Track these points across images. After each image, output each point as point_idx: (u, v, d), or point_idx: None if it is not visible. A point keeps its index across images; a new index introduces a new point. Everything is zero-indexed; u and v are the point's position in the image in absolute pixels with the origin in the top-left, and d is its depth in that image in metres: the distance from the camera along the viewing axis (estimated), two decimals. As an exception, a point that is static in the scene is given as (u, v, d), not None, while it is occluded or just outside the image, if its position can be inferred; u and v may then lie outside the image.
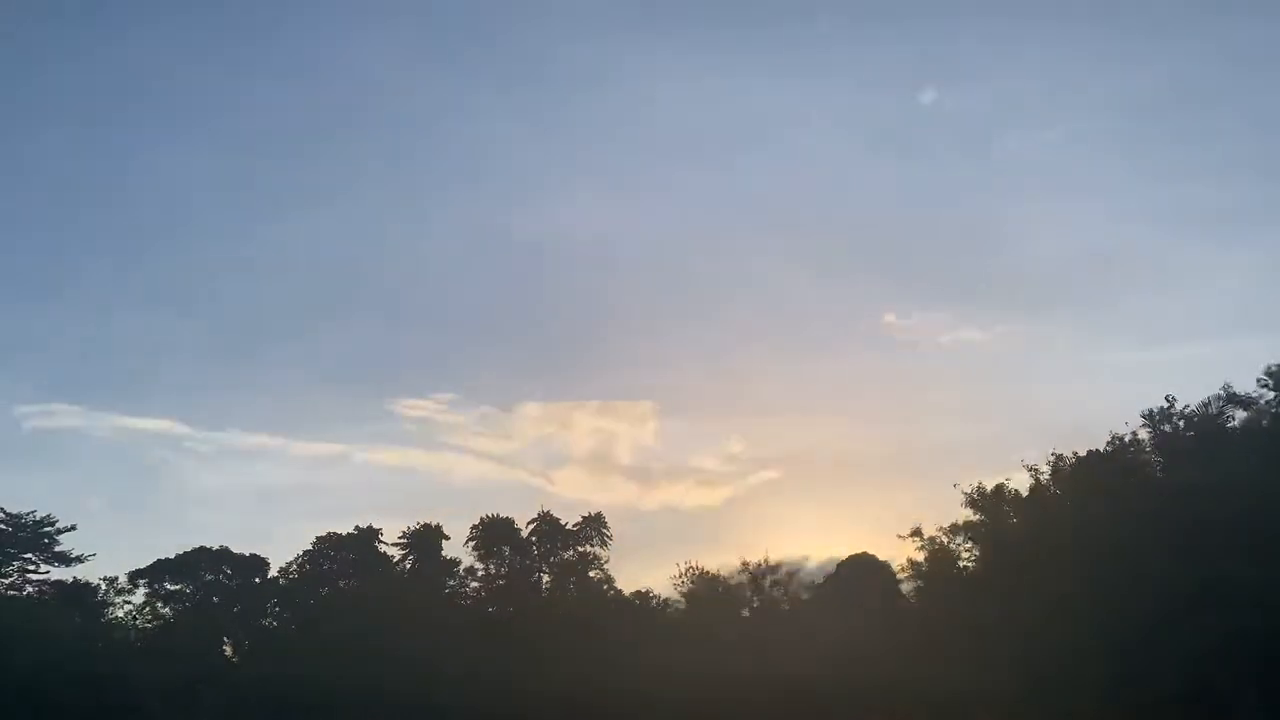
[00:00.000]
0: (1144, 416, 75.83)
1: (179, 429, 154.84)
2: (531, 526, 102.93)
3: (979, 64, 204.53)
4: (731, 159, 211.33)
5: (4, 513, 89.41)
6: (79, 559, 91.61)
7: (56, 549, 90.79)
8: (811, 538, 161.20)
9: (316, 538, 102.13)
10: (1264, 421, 71.03)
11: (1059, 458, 77.58)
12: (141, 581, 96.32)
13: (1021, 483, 78.85)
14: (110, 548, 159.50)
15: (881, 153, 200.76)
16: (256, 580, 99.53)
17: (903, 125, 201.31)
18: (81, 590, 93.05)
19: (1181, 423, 74.62)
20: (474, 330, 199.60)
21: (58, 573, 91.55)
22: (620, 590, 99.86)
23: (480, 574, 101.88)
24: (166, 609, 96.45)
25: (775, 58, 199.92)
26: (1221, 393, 73.18)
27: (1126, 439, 76.27)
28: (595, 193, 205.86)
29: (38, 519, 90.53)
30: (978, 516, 79.61)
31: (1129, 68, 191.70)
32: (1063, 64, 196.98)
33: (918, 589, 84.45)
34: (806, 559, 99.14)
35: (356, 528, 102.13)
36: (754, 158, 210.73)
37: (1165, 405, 75.41)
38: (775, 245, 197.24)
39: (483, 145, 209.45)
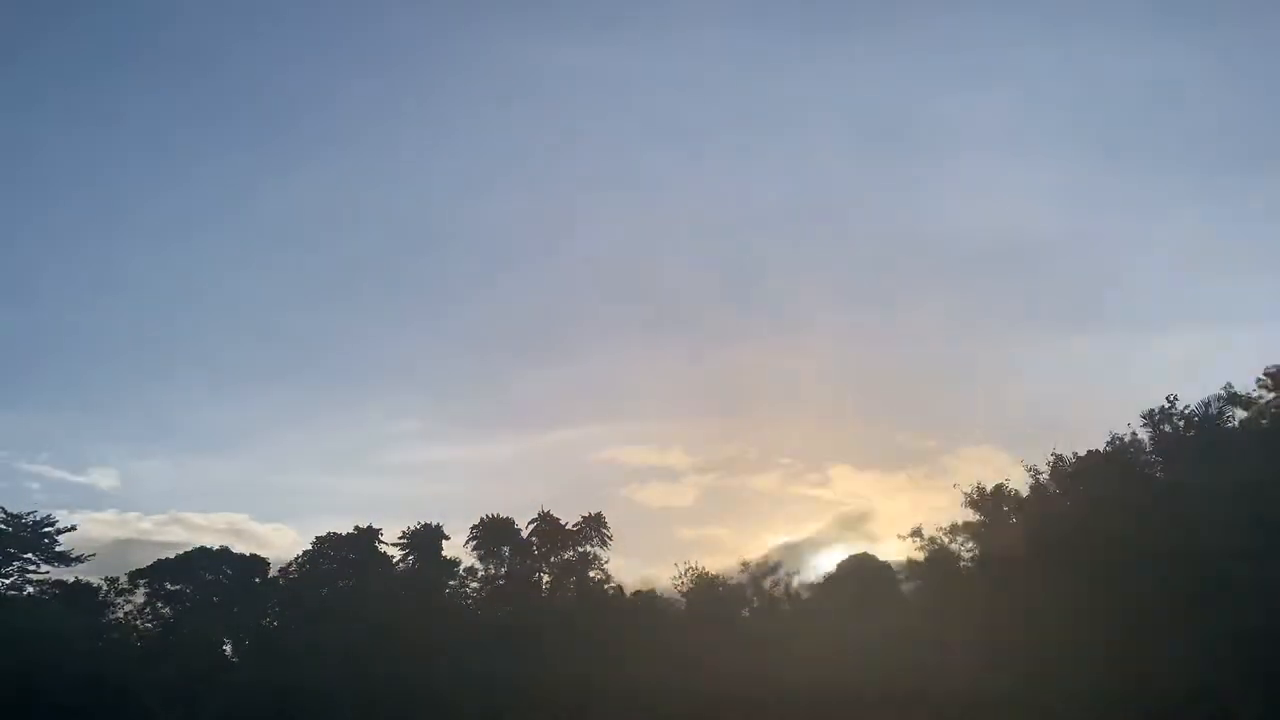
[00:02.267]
0: (1144, 416, 75.91)
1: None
2: (531, 527, 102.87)
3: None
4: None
5: (4, 512, 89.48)
6: (79, 559, 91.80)
7: (56, 549, 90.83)
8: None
9: (316, 538, 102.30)
10: (1264, 421, 71.06)
11: (1059, 458, 77.57)
12: (142, 582, 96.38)
13: (1021, 483, 79.02)
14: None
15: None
16: (256, 580, 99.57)
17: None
18: (81, 590, 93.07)
19: (1181, 423, 74.66)
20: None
21: (58, 573, 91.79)
22: (621, 589, 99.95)
23: (480, 574, 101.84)
24: (167, 609, 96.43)
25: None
26: (1222, 393, 73.38)
27: (1127, 439, 76.37)
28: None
29: (38, 519, 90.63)
30: (978, 516, 79.66)
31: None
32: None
33: (918, 589, 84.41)
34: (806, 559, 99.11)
35: (356, 528, 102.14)
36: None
37: (1165, 405, 75.53)
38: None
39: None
